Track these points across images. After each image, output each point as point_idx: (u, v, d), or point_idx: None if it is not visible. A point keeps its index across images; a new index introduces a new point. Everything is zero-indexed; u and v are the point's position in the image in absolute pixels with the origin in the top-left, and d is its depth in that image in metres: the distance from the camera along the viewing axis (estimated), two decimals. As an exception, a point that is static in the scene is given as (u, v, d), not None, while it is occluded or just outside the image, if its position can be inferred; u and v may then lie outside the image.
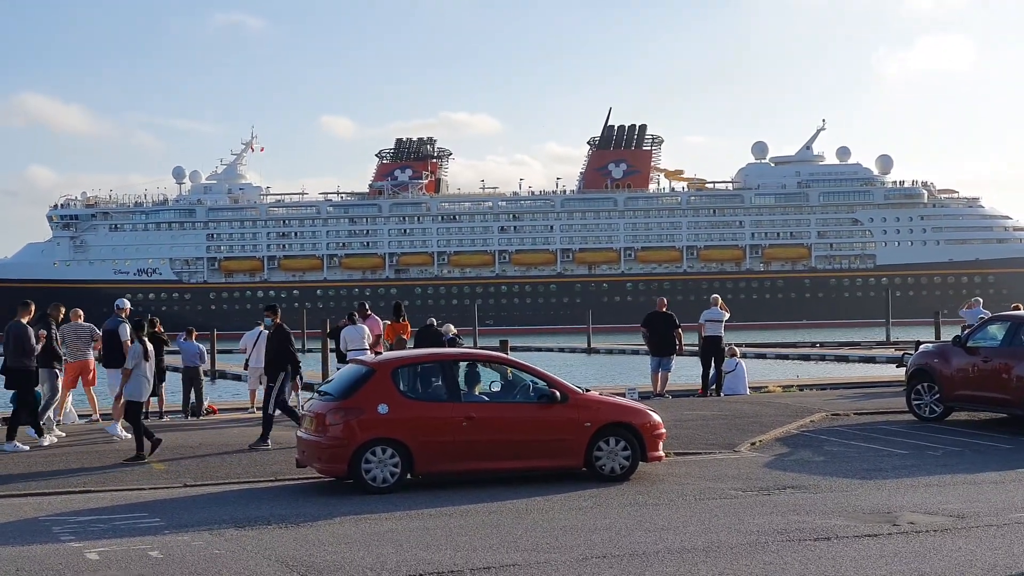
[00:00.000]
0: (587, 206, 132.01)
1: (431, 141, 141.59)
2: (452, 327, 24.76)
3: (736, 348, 28.16)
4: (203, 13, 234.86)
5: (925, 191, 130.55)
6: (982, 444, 17.54)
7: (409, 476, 14.04)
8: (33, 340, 18.03)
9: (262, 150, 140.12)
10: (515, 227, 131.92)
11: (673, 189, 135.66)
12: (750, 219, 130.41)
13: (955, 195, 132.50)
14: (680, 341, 25.79)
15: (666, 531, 11.26)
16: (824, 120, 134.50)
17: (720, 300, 26.87)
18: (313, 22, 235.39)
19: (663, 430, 15.02)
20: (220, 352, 51.88)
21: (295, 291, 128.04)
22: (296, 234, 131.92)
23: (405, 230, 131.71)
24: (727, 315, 26.32)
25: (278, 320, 18.48)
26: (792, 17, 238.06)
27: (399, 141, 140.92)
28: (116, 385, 19.17)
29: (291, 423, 18.07)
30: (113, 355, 20.19)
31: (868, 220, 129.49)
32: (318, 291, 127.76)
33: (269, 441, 17.70)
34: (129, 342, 18.95)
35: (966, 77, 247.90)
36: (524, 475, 14.50)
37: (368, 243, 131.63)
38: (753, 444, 17.76)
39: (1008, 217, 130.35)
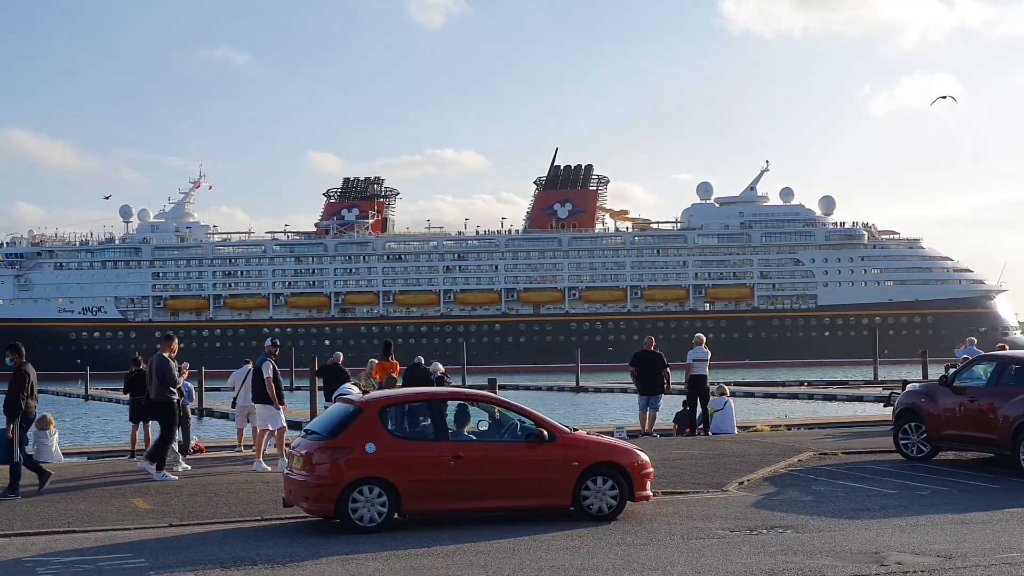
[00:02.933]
0: (532, 246, 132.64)
1: (379, 181, 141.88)
2: (440, 366, 24.74)
3: (725, 387, 28.19)
4: (188, 48, 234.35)
5: (866, 232, 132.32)
6: (969, 484, 17.56)
7: (396, 516, 14.01)
8: (175, 372, 18.59)
9: (210, 188, 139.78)
10: (460, 267, 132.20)
11: (618, 229, 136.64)
12: (693, 259, 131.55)
13: (896, 236, 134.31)
14: (668, 380, 25.88)
15: (654, 571, 11.32)
16: (768, 161, 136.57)
17: (704, 339, 26.96)
18: (298, 58, 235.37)
19: (651, 469, 15.03)
20: (208, 390, 51.45)
21: (241, 330, 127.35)
22: (242, 273, 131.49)
23: (351, 269, 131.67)
24: (709, 354, 26.42)
25: (21, 361, 17.18)
26: (751, 54, 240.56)
27: (346, 180, 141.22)
28: (267, 420, 19.75)
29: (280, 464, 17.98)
30: (260, 391, 20.29)
31: (810, 261, 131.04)
32: (264, 330, 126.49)
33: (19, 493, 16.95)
34: (271, 379, 19.66)
35: (941, 116, 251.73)
36: (512, 514, 14.50)
37: (314, 282, 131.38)
38: (741, 483, 17.74)
39: (949, 258, 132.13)
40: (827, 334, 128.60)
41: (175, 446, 19.80)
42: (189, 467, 19.72)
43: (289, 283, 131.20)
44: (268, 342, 20.95)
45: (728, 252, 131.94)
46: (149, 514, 15.35)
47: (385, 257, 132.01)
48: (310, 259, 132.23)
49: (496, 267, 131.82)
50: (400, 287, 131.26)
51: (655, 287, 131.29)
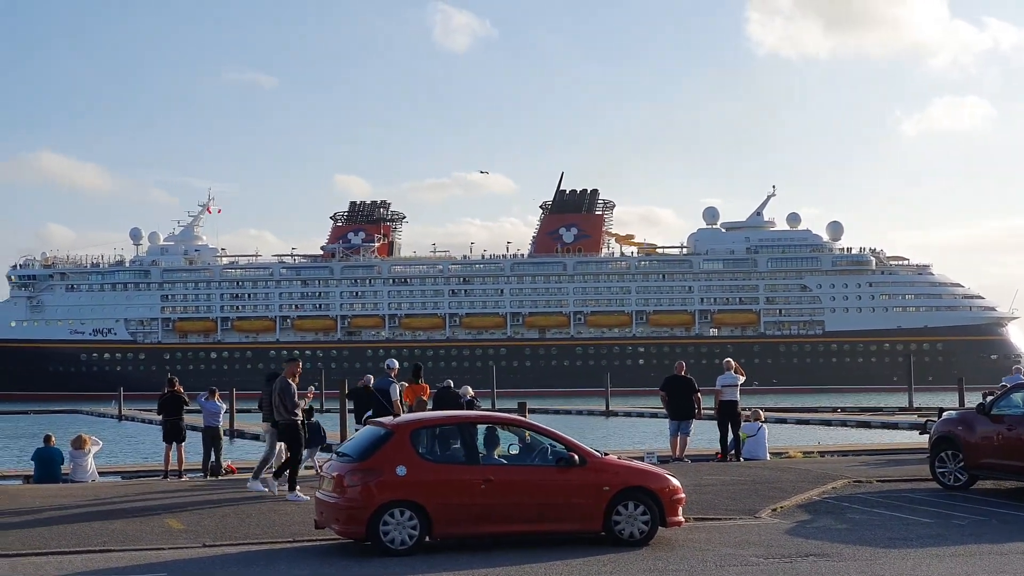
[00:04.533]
0: (537, 270, 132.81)
1: (385, 204, 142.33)
2: (470, 389, 24.82)
3: (760, 412, 28.01)
4: (216, 71, 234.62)
5: (873, 258, 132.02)
6: (1009, 514, 17.21)
7: (427, 539, 13.95)
8: (296, 396, 18.76)
9: (219, 212, 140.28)
10: (466, 290, 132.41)
11: (623, 254, 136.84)
12: (699, 284, 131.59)
13: (905, 262, 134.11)
14: (699, 405, 25.60)
15: (687, 598, 11.17)
16: (774, 186, 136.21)
17: (734, 364, 26.53)
18: (324, 81, 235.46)
19: (683, 495, 14.89)
20: (239, 411, 51.45)
21: (248, 352, 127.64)
22: (249, 295, 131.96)
23: (357, 292, 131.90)
24: (742, 378, 26.04)
25: None
26: (778, 78, 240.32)
27: (353, 204, 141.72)
28: None
29: (311, 483, 17.95)
30: (383, 413, 20.30)
31: (816, 286, 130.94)
32: (271, 352, 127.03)
33: None
34: (399, 402, 20.04)
35: (977, 138, 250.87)
36: (542, 539, 14.39)
37: (320, 305, 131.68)
38: (774, 510, 17.48)
39: (959, 285, 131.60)
40: (834, 360, 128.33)
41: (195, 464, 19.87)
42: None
43: (296, 306, 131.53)
44: (391, 363, 21.18)
45: (734, 277, 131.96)
46: (183, 534, 15.40)
47: (391, 280, 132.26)
48: (316, 282, 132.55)
49: (502, 291, 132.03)
50: (406, 310, 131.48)
51: (661, 312, 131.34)
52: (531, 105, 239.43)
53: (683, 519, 15.01)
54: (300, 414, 19.03)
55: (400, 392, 20.82)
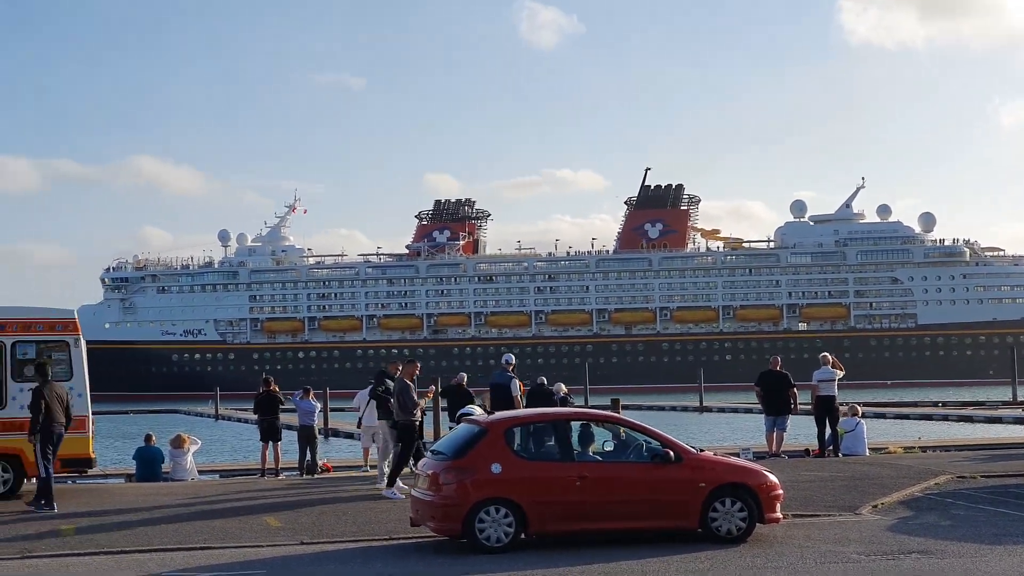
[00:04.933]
0: (622, 266, 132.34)
1: (470, 203, 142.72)
2: (563, 386, 24.67)
3: (857, 407, 27.59)
4: (304, 73, 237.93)
5: (967, 249, 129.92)
6: None
7: (523, 536, 13.92)
8: (415, 395, 19.14)
9: (304, 212, 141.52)
10: (551, 287, 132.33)
11: (709, 249, 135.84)
12: (786, 278, 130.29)
13: (1001, 253, 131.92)
14: (795, 400, 25.35)
15: (787, 596, 10.97)
16: (863, 178, 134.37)
17: (831, 358, 25.95)
18: (412, 80, 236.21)
19: (780, 491, 14.71)
20: (333, 410, 51.95)
21: (335, 351, 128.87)
22: (336, 295, 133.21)
23: (442, 291, 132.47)
24: (840, 373, 25.57)
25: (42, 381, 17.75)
26: (872, 67, 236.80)
27: (438, 203, 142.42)
28: None
29: (406, 481, 18.02)
30: (500, 408, 20.58)
31: (908, 279, 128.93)
32: (358, 351, 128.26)
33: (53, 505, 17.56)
34: (519, 397, 20.40)
35: None
36: (638, 536, 14.28)
37: (406, 304, 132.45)
38: (875, 507, 17.20)
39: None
40: (927, 354, 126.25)
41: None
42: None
43: (381, 305, 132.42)
44: (508, 358, 21.38)
45: (823, 270, 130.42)
46: (280, 532, 15.52)
47: (476, 278, 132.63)
48: (402, 281, 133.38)
49: (587, 288, 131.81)
50: (491, 308, 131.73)
51: (748, 307, 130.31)
52: (619, 100, 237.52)
53: (781, 516, 14.82)
54: (419, 414, 19.21)
55: (518, 388, 20.81)
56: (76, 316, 20.36)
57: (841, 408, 26.31)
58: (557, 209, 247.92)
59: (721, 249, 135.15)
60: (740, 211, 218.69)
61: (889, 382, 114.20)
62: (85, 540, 14.87)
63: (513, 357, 22.97)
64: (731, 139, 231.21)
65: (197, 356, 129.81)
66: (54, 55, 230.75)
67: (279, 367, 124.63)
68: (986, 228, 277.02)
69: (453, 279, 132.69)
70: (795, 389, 25.28)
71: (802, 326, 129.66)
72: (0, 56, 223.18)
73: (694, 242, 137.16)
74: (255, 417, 26.36)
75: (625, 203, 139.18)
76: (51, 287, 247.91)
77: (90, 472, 21.47)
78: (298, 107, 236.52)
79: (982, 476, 20.64)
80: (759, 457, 24.17)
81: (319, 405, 27.72)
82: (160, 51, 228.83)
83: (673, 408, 72.25)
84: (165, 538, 15.02)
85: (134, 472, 25.15)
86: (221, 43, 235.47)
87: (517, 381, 20.95)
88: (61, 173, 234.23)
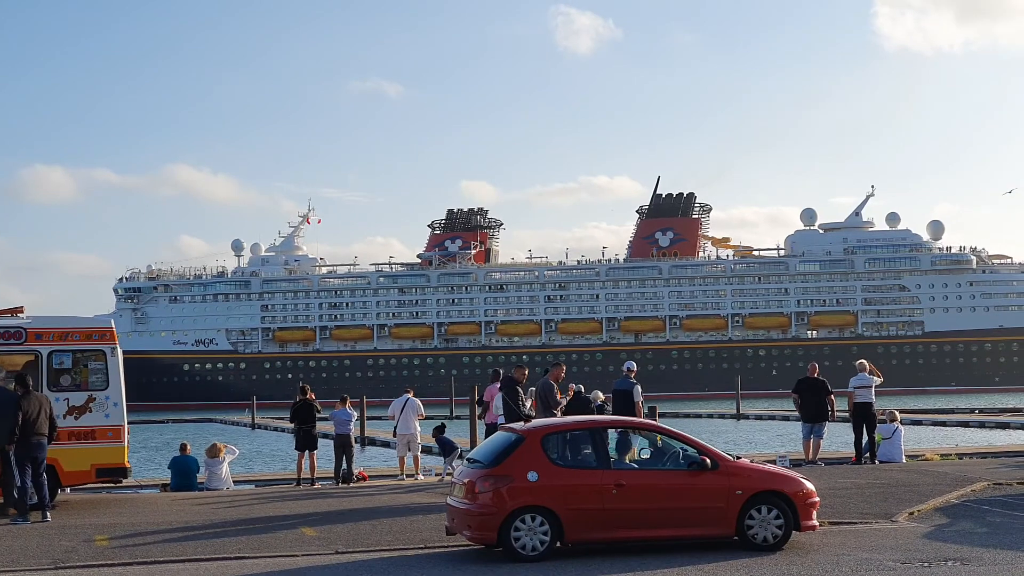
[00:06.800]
0: (632, 275, 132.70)
1: (482, 212, 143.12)
2: (600, 394, 24.69)
3: (896, 413, 27.48)
4: (340, 81, 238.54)
5: (974, 257, 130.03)
6: None
7: (559, 544, 13.85)
8: (557, 395, 19.88)
9: (319, 222, 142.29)
10: (561, 296, 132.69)
11: (719, 257, 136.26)
12: (795, 286, 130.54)
13: (1008, 260, 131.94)
14: (832, 407, 25.19)
15: (825, 602, 10.95)
16: (873, 186, 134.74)
17: (868, 365, 25.91)
18: (448, 87, 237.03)
19: (817, 498, 14.56)
20: (369, 419, 52.10)
21: (347, 360, 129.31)
22: (347, 304, 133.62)
23: (453, 300, 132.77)
24: (878, 380, 25.48)
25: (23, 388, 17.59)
26: (909, 72, 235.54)
27: (450, 212, 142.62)
28: None
29: (441, 489, 18.25)
30: (625, 415, 20.75)
31: (915, 287, 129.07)
32: (368, 360, 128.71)
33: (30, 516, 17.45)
34: (640, 403, 20.85)
35: None
36: (674, 544, 14.24)
37: (417, 313, 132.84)
38: (911, 514, 17.03)
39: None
40: (935, 361, 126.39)
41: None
42: None
43: (393, 314, 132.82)
44: (630, 365, 21.88)
45: (831, 279, 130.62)
46: (316, 541, 15.58)
47: (487, 287, 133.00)
48: (413, 290, 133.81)
49: (597, 296, 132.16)
50: (502, 317, 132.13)
51: (756, 314, 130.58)
52: (655, 106, 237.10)
53: (817, 523, 14.69)
54: (559, 413, 19.73)
55: (640, 393, 21.35)
56: (113, 325, 20.48)
57: (878, 415, 26.16)
58: (593, 216, 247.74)
59: (731, 257, 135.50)
60: (777, 218, 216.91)
61: (896, 389, 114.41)
62: (119, 551, 14.83)
63: (635, 364, 22.95)
64: (762, 144, 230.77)
65: (208, 366, 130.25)
66: (90, 66, 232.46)
67: (290, 376, 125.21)
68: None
69: (464, 288, 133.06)
70: (832, 396, 25.17)
71: (811, 334, 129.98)
72: (38, 68, 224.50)
73: (704, 250, 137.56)
74: (291, 426, 26.15)
75: (637, 212, 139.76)
76: (86, 297, 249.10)
77: (125, 482, 21.36)
78: (334, 114, 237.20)
79: (1019, 483, 20.44)
80: (796, 464, 24.05)
81: (355, 414, 27.67)
82: (196, 60, 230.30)
83: (710, 415, 72.38)
84: (199, 548, 15.01)
85: (169, 482, 25.15)
86: (257, 52, 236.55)
87: (639, 387, 21.35)
88: (98, 183, 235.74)
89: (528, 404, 21.54)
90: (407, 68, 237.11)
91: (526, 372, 21.55)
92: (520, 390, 20.75)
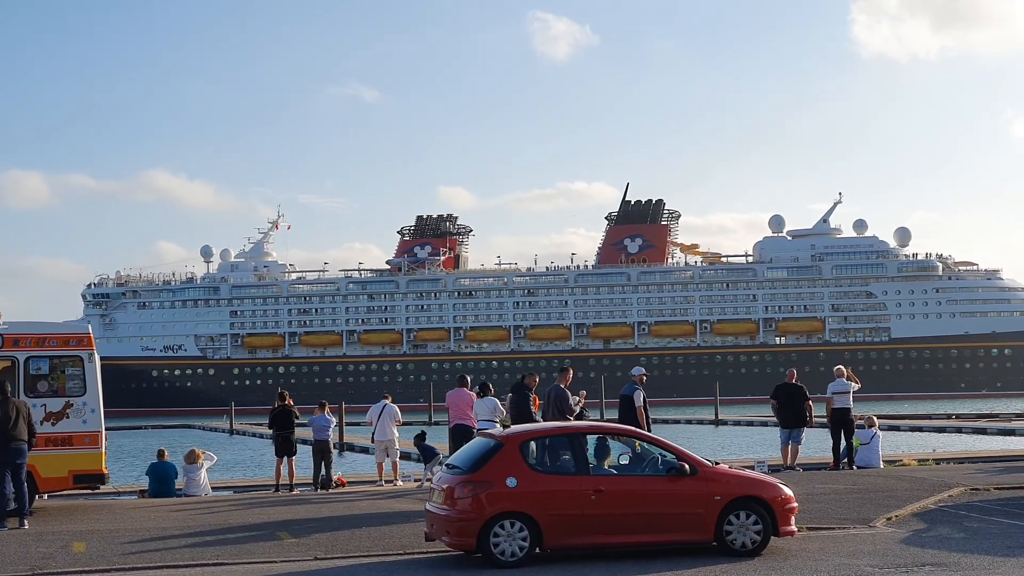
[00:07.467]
0: (600, 281, 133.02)
1: (452, 218, 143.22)
2: (580, 398, 24.72)
3: (874, 418, 27.51)
4: (318, 86, 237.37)
5: (940, 263, 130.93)
6: None
7: (538, 550, 13.92)
8: (571, 401, 19.93)
9: (288, 228, 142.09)
10: (530, 302, 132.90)
11: (687, 263, 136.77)
12: (763, 293, 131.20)
13: (974, 267, 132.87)
14: (811, 413, 25.32)
15: (802, 608, 11.05)
16: (840, 193, 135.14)
17: (845, 371, 25.98)
18: (425, 93, 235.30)
19: (795, 504, 14.68)
20: (348, 425, 52.09)
21: (315, 367, 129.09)
22: (316, 310, 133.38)
23: (422, 306, 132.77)
24: (856, 386, 25.66)
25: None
26: (885, 79, 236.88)
27: (419, 218, 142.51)
28: None
29: (420, 495, 18.25)
30: (627, 420, 20.83)
31: (882, 293, 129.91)
32: (338, 367, 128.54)
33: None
34: (642, 408, 20.93)
35: None
36: (653, 549, 14.30)
37: (386, 319, 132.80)
38: (889, 519, 17.13)
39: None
40: (901, 367, 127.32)
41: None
42: None
43: (362, 320, 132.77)
44: (637, 370, 21.97)
45: (798, 285, 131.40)
46: (295, 547, 15.58)
47: (456, 293, 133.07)
48: (383, 296, 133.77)
49: (566, 302, 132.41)
50: (471, 323, 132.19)
51: (724, 321, 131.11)
52: (632, 112, 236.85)
53: (796, 529, 14.81)
54: (572, 418, 19.85)
55: (641, 398, 21.39)
56: (90, 331, 20.41)
57: (857, 420, 26.26)
58: (571, 222, 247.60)
59: (699, 264, 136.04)
60: (755, 224, 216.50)
61: (863, 395, 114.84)
62: (96, 557, 14.79)
63: (642, 369, 22.92)
64: (735, 151, 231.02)
65: (177, 372, 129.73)
66: (68, 73, 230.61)
67: (259, 382, 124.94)
68: (1002, 239, 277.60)
69: (433, 294, 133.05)
70: (810, 402, 25.28)
71: (779, 340, 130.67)
72: (15, 74, 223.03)
73: (672, 257, 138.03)
74: (270, 432, 26.13)
75: (606, 218, 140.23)
76: (57, 303, 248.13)
77: (102, 488, 21.28)
78: (312, 120, 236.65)
79: (996, 488, 20.60)
80: (774, 470, 24.13)
81: (334, 420, 27.55)
82: (174, 67, 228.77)
83: (689, 421, 72.81)
84: (178, 555, 15.01)
85: (147, 488, 25.03)
86: (234, 58, 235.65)
87: (641, 392, 21.34)
88: (75, 188, 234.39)
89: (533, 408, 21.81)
90: (385, 74, 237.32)
91: (536, 379, 21.84)
92: (565, 395, 20.94)
